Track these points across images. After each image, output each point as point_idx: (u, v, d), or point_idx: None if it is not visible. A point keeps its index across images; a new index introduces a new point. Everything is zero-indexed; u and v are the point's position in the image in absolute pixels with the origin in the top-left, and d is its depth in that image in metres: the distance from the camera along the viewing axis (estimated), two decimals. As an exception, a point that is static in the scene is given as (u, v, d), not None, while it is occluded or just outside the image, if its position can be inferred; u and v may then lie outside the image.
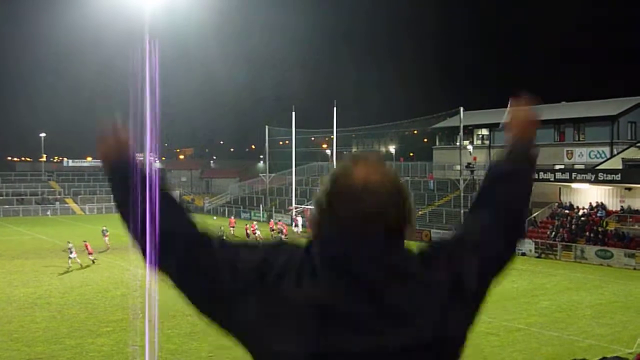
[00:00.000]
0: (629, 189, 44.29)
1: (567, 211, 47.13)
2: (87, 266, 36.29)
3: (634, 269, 38.53)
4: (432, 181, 62.65)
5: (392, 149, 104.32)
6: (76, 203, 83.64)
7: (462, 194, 50.71)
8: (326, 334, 1.69)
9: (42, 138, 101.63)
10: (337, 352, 1.69)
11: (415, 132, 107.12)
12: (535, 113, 2.26)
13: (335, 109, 58.14)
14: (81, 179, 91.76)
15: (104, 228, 45.15)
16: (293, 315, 1.72)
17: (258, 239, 45.19)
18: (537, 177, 47.94)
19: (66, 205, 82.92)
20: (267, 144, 76.74)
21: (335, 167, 1.89)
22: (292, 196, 65.85)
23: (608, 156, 51.04)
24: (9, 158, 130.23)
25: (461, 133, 53.90)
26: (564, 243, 43.24)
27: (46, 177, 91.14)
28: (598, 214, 45.00)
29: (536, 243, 44.06)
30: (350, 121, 72.09)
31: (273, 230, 51.02)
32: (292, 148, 64.47)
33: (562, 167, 50.93)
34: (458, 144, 54.58)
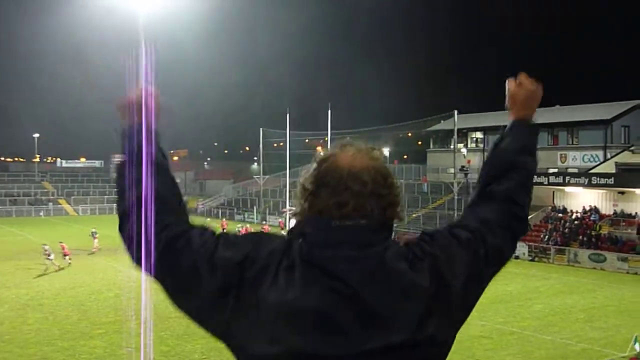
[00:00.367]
0: (622, 192, 44.40)
1: (560, 215, 47.22)
2: (62, 268, 35.71)
3: (627, 272, 38.62)
4: (426, 184, 62.72)
5: (386, 151, 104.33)
6: (69, 204, 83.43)
7: (456, 197, 50.75)
8: (301, 336, 1.66)
9: (36, 138, 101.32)
10: (312, 355, 1.65)
11: (410, 134, 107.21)
12: (534, 88, 2.23)
13: (329, 111, 58.12)
14: (74, 180, 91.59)
15: (94, 230, 44.87)
16: (269, 317, 1.68)
17: None
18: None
19: (59, 206, 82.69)
20: (261, 146, 76.63)
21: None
22: (286, 198, 65.79)
23: (601, 160, 51.18)
24: (2, 158, 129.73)
25: (455, 136, 53.97)
26: (557, 247, 43.32)
27: (39, 178, 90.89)
28: (591, 218, 45.10)
29: (529, 246, 44.11)
30: (345, 123, 72.04)
31: None
32: (286, 150, 64.37)
33: (556, 170, 51.02)
34: (452, 147, 54.64)
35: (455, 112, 53.18)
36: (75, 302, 27.72)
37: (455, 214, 49.17)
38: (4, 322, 24.19)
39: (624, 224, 43.58)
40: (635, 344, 15.64)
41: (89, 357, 20.02)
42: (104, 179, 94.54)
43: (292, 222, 1.79)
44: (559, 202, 48.49)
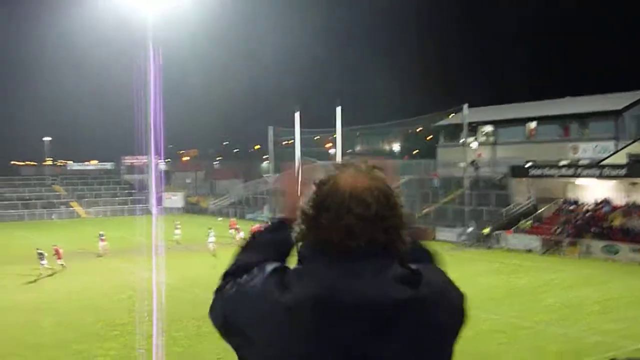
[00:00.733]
0: (634, 183, 44.17)
1: (572, 207, 47.02)
2: (54, 273, 35.34)
3: (641, 263, 38.40)
4: (436, 179, 62.56)
5: (396, 147, 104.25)
6: (81, 206, 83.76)
7: (467, 192, 50.60)
8: None
9: (46, 142, 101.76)
10: None
11: (420, 129, 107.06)
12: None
13: (339, 107, 58.04)
14: (85, 183, 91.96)
15: (101, 233, 44.80)
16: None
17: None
18: (542, 173, 47.95)
19: (71, 208, 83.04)
20: (271, 144, 76.68)
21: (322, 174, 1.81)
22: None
23: (613, 151, 50.88)
24: (14, 162, 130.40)
25: (465, 130, 53.78)
26: (569, 239, 43.12)
27: (51, 181, 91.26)
28: (603, 210, 44.88)
29: (542, 239, 43.97)
30: (354, 120, 72.06)
31: None
32: (296, 148, 64.34)
33: (567, 162, 50.80)
34: (462, 141, 54.48)
35: (465, 105, 53.02)
36: (89, 305, 27.83)
37: (467, 209, 49.08)
38: (17, 326, 24.30)
39: (636, 215, 43.32)
40: None
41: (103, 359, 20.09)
42: (115, 181, 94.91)
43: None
44: (570, 195, 48.28)
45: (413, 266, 1.75)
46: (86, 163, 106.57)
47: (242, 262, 1.93)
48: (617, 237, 41.58)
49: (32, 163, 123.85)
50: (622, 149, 49.59)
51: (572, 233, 43.72)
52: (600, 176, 44.41)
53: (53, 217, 78.71)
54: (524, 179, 51.74)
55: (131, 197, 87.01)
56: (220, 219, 58.56)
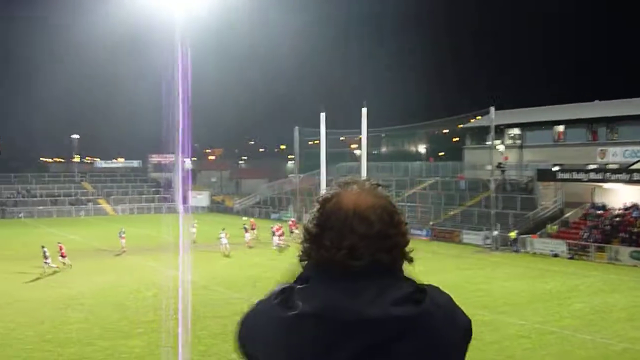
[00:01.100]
0: (664, 189, 43.52)
1: (600, 212, 46.48)
2: (55, 272, 35.26)
3: (670, 270, 37.83)
4: (463, 181, 62.23)
5: (422, 148, 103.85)
6: (109, 204, 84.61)
7: (493, 194, 50.25)
8: None
9: (75, 139, 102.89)
10: None
11: (446, 131, 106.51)
12: None
13: (364, 109, 57.92)
14: (113, 180, 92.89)
15: (122, 229, 45.03)
16: None
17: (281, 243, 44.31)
18: (569, 177, 47.43)
19: (99, 205, 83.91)
20: (296, 144, 76.78)
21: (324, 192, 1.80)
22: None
23: (642, 155, 50.14)
24: (43, 159, 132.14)
25: (492, 132, 53.40)
26: (597, 244, 42.61)
27: (79, 178, 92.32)
28: (632, 215, 44.30)
29: (569, 244, 43.52)
30: (380, 121, 71.79)
31: (293, 232, 49.17)
32: (321, 148, 64.32)
33: (595, 167, 50.23)
34: (489, 143, 54.09)
35: (492, 108, 52.63)
36: (115, 302, 28.08)
37: (493, 212, 48.75)
38: (45, 322, 24.60)
39: (666, 220, 42.73)
40: None
41: (128, 357, 20.25)
42: (142, 179, 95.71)
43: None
44: (598, 199, 47.74)
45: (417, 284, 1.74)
46: (113, 161, 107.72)
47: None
48: (645, 243, 41.01)
49: (60, 160, 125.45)
50: (652, 153, 48.90)
51: (599, 238, 43.21)
52: (630, 181, 43.81)
53: (81, 214, 79.45)
54: (551, 182, 51.28)
55: (158, 195, 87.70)
56: (245, 218, 58.64)
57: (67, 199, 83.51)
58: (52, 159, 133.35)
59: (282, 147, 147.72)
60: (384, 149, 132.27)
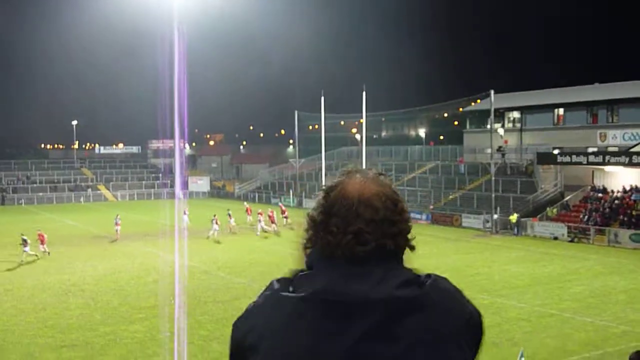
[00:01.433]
0: (664, 171, 43.51)
1: (600, 194, 46.50)
2: (34, 260, 34.59)
3: (670, 252, 37.89)
4: (462, 165, 62.22)
5: (422, 132, 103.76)
6: (108, 190, 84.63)
7: (493, 178, 50.25)
8: None
9: (75, 126, 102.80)
10: None
11: (446, 115, 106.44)
12: None
13: (364, 92, 57.86)
14: (113, 166, 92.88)
15: (117, 216, 44.51)
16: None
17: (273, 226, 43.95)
18: (569, 160, 47.41)
19: (98, 191, 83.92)
20: (296, 129, 76.77)
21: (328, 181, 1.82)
22: (321, 181, 65.81)
23: (643, 138, 50.12)
24: (42, 145, 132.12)
25: (492, 116, 53.32)
26: (597, 227, 42.65)
27: (78, 164, 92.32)
28: (632, 197, 44.31)
29: (569, 227, 43.57)
30: (380, 105, 71.80)
31: (285, 216, 48.51)
32: (321, 133, 64.32)
33: (595, 149, 50.17)
34: (489, 127, 54.05)
35: (492, 91, 52.55)
36: (115, 288, 28.13)
37: (493, 195, 48.76)
38: (46, 308, 24.66)
39: (666, 203, 42.73)
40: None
41: (130, 342, 20.30)
42: (141, 165, 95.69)
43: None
44: (598, 182, 47.74)
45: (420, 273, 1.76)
46: (113, 147, 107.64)
47: None
48: (645, 225, 41.05)
49: (60, 146, 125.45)
50: (652, 136, 48.87)
51: (599, 221, 43.25)
52: (630, 163, 43.76)
53: (81, 200, 79.45)
54: (551, 165, 51.27)
55: (157, 181, 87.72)
56: (246, 203, 58.60)
57: (66, 185, 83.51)
58: (52, 145, 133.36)
59: (282, 131, 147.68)
60: (384, 133, 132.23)
